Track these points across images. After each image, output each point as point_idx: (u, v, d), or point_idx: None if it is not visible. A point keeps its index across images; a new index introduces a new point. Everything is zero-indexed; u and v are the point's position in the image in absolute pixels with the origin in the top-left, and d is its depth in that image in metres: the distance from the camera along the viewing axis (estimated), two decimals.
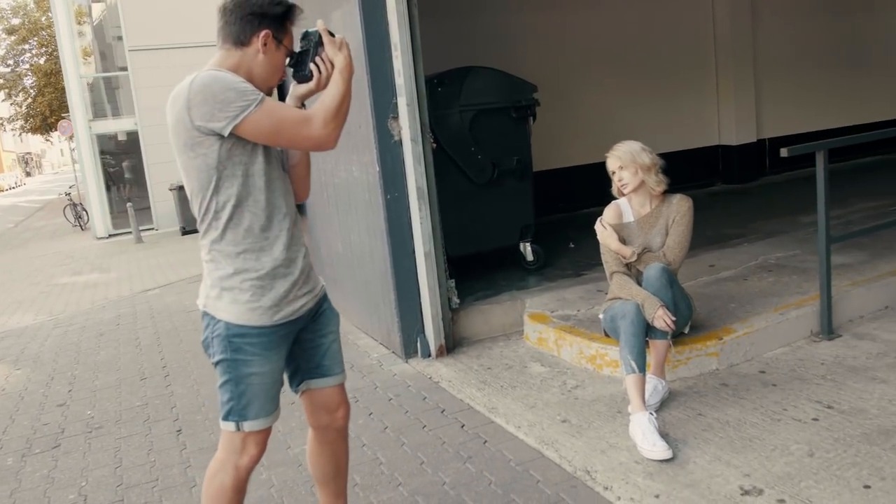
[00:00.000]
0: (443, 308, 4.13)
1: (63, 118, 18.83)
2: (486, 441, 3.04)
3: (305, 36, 1.93)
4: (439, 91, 4.59)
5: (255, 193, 1.89)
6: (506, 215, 5.03)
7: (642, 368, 2.94)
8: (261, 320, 1.90)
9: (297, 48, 1.95)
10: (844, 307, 3.88)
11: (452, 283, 4.25)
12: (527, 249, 5.20)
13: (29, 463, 3.43)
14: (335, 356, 2.15)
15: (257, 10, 1.87)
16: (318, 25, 1.91)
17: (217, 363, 1.93)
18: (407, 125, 3.93)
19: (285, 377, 2.11)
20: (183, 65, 13.90)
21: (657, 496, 2.45)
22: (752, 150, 8.95)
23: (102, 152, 15.61)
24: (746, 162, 8.89)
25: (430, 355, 4.13)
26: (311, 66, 1.91)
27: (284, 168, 2.03)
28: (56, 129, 25.85)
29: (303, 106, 2.01)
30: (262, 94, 1.83)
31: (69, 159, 26.82)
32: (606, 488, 2.55)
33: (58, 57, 20.87)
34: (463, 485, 2.70)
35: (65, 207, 18.14)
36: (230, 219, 1.88)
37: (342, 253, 5.02)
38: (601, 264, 4.84)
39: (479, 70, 4.83)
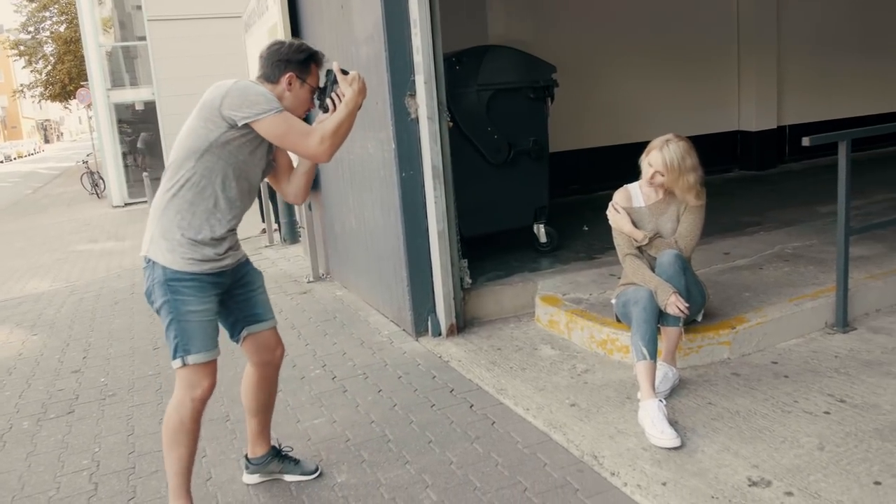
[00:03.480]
0: (454, 287, 4.13)
1: (82, 86, 18.87)
2: (494, 422, 3.05)
3: (327, 74, 2.40)
4: (457, 69, 4.54)
5: (224, 179, 2.31)
6: (520, 196, 5.00)
7: (653, 355, 2.93)
8: (191, 269, 2.30)
9: (322, 83, 2.42)
10: (861, 300, 3.83)
11: (465, 262, 4.24)
12: (540, 231, 5.18)
13: (44, 427, 3.49)
14: (265, 305, 2.59)
15: (283, 57, 2.38)
16: (333, 66, 2.37)
17: (160, 307, 2.31)
18: (424, 103, 3.89)
19: (227, 332, 2.54)
20: (201, 35, 13.91)
21: (664, 484, 2.45)
22: (772, 136, 8.82)
23: (120, 121, 15.66)
24: (765, 148, 8.76)
25: (440, 334, 4.14)
26: (328, 100, 2.37)
27: (262, 177, 2.49)
28: (75, 97, 25.96)
29: None
30: (282, 107, 2.28)
31: (87, 127, 26.93)
32: (613, 474, 2.56)
33: (78, 25, 20.88)
34: (470, 465, 2.71)
35: (82, 175, 18.26)
36: (197, 186, 2.29)
37: (355, 229, 5.02)
38: (613, 248, 4.83)
39: (498, 49, 4.78)
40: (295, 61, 2.37)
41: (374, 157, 4.40)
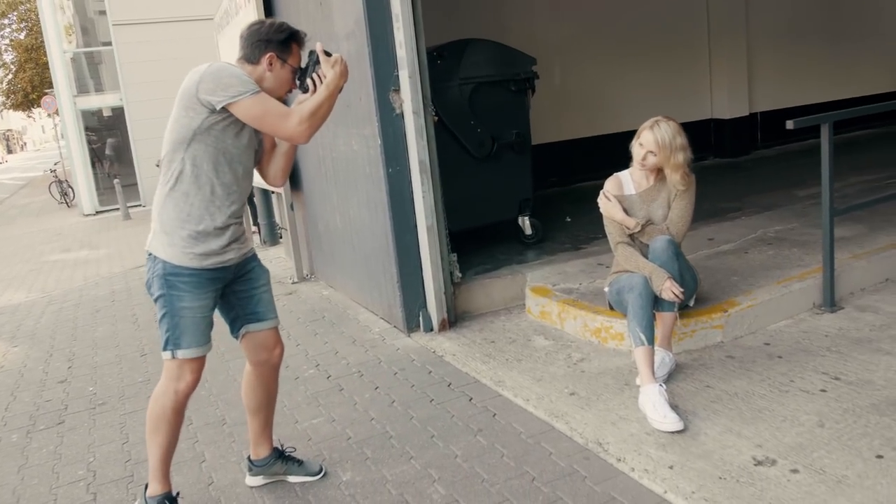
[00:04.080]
0: (445, 282, 4.12)
1: (46, 94, 18.48)
2: (495, 414, 3.05)
3: (310, 54, 2.36)
4: (438, 63, 4.52)
5: (216, 165, 2.29)
6: (505, 189, 5.01)
7: (651, 340, 2.95)
8: (191, 263, 2.30)
9: (304, 64, 2.39)
10: (846, 280, 3.90)
11: (454, 257, 4.23)
12: (525, 223, 5.19)
13: (34, 439, 3.41)
14: (268, 304, 2.56)
15: (264, 36, 2.34)
16: (317, 47, 2.33)
17: (157, 299, 2.33)
18: (409, 98, 3.87)
19: (227, 326, 2.55)
20: (168, 39, 13.70)
21: (671, 467, 2.47)
22: (744, 123, 8.94)
23: (87, 128, 15.35)
24: (738, 135, 8.88)
25: (432, 329, 4.13)
26: (309, 80, 2.35)
27: (256, 160, 2.47)
28: (38, 106, 25.43)
29: None
30: (258, 88, 2.25)
31: (51, 136, 26.38)
32: (619, 460, 2.57)
33: (38, 32, 20.42)
34: (475, 457, 2.71)
35: (50, 184, 17.87)
36: (190, 176, 2.28)
37: (340, 227, 4.98)
38: (599, 238, 4.86)
39: (479, 42, 4.77)
40: (275, 41, 2.34)
41: (358, 154, 4.36)
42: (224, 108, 2.22)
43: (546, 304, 4.04)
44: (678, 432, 2.68)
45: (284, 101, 2.39)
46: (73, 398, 3.89)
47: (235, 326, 2.55)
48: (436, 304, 4.09)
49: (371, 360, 3.86)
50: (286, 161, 2.53)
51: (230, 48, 6.96)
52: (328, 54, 2.32)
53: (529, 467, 2.60)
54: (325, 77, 2.31)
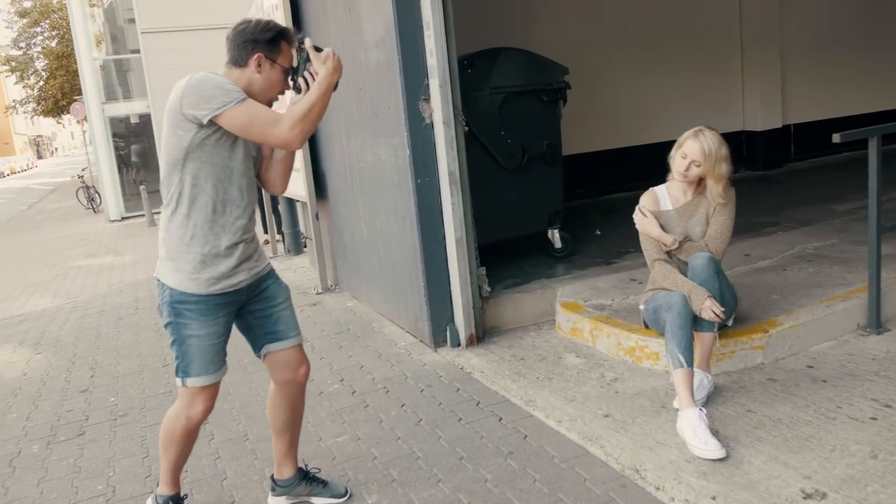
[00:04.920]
0: (473, 296, 4.02)
1: (76, 101, 18.73)
2: (526, 436, 2.93)
3: (299, 52, 2.23)
4: (469, 72, 4.44)
5: (215, 181, 2.19)
6: (535, 201, 4.90)
7: (690, 362, 2.83)
8: (199, 289, 2.21)
9: (294, 63, 2.26)
10: (892, 300, 3.73)
11: (483, 270, 4.13)
12: (555, 236, 5.07)
13: (54, 451, 3.36)
14: (288, 322, 2.44)
15: (250, 37, 2.22)
16: (306, 43, 2.20)
17: (166, 325, 2.28)
18: (439, 107, 3.79)
19: (250, 345, 2.47)
20: (196, 47, 13.78)
21: (713, 498, 2.34)
22: (777, 136, 8.76)
23: (115, 135, 15.52)
24: (771, 148, 8.70)
25: (459, 344, 4.02)
26: (301, 79, 2.21)
27: (256, 168, 2.36)
28: (68, 112, 25.80)
29: None
30: (244, 95, 2.13)
31: (79, 142, 26.77)
32: (658, 488, 2.44)
33: (69, 39, 20.69)
34: (506, 482, 2.60)
35: (77, 190, 18.10)
36: (188, 197, 2.18)
37: (367, 238, 4.91)
38: (631, 252, 4.74)
39: (510, 51, 4.68)
40: (262, 40, 2.21)
41: (386, 164, 4.29)
42: (211, 122, 2.11)
43: (577, 320, 3.92)
44: (720, 460, 2.54)
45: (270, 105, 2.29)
46: (95, 409, 3.84)
47: (256, 346, 2.46)
48: (464, 319, 3.99)
49: (397, 376, 3.76)
50: (285, 167, 2.41)
51: None
52: (318, 50, 2.19)
53: (563, 494, 2.48)
54: (316, 75, 2.17)
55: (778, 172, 8.41)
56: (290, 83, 2.26)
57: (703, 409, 2.72)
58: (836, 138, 3.32)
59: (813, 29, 8.83)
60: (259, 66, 2.22)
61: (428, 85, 3.84)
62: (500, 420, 3.10)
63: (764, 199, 6.70)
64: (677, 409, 2.92)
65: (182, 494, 2.55)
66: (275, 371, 2.47)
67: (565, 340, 3.97)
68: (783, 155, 8.82)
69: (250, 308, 2.38)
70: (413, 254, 4.09)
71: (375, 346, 4.30)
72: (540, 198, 4.91)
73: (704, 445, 2.56)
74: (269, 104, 2.28)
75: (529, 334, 4.14)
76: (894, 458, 2.45)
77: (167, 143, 2.18)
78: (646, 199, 3.27)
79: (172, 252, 2.23)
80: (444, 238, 3.98)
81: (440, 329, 4.06)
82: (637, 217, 3.25)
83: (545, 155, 4.83)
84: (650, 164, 7.59)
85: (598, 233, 5.85)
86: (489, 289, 4.18)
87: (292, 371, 2.47)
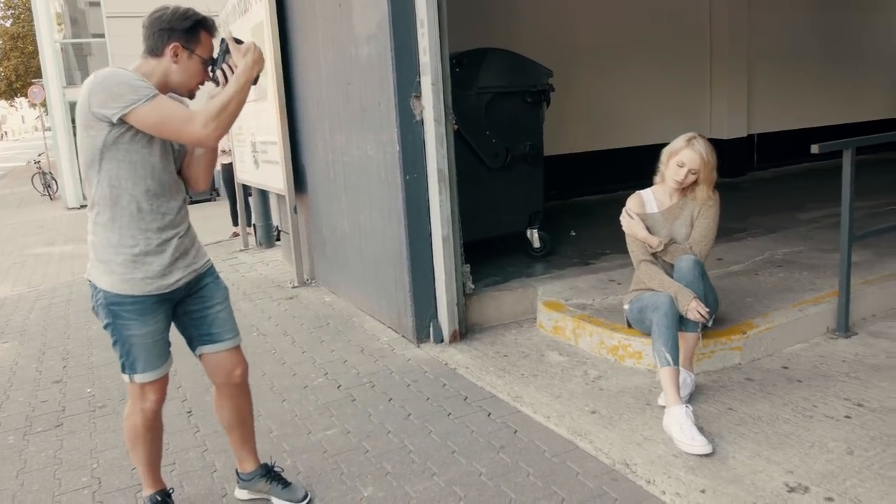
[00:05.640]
0: (458, 293, 4.06)
1: (32, 84, 18.18)
2: (516, 430, 2.99)
3: (221, 43, 2.19)
4: (457, 71, 4.47)
5: (135, 179, 2.11)
6: (516, 201, 4.97)
7: (677, 361, 2.92)
8: (133, 290, 2.16)
9: (216, 54, 2.21)
10: (858, 305, 3.89)
11: (467, 268, 4.17)
12: (534, 236, 5.15)
13: (32, 442, 3.28)
14: (224, 324, 2.38)
15: (166, 25, 2.14)
16: (226, 34, 2.17)
17: (105, 327, 2.23)
18: (431, 105, 3.82)
19: (186, 343, 2.42)
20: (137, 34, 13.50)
21: (703, 491, 2.43)
22: (742, 144, 9.02)
23: (74, 120, 15.11)
24: (736, 156, 8.94)
25: (442, 341, 4.06)
26: (219, 71, 2.17)
27: (177, 163, 2.27)
28: (22, 95, 25.02)
29: None
30: (155, 91, 2.04)
31: (30, 126, 25.95)
32: (649, 482, 2.52)
33: (25, 20, 20.06)
34: (500, 475, 2.64)
35: (33, 176, 17.56)
36: (109, 197, 2.11)
37: (348, 233, 4.90)
38: (607, 253, 4.83)
39: (498, 52, 4.74)
40: (179, 29, 2.13)
41: (373, 160, 4.30)
42: (122, 120, 2.02)
43: (560, 319, 4.00)
44: (706, 455, 2.64)
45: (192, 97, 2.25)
46: (71, 400, 3.76)
47: (192, 346, 2.42)
48: (448, 315, 4.03)
49: (382, 371, 3.78)
50: (206, 163, 2.32)
51: None
52: (238, 42, 2.15)
53: (557, 487, 2.54)
54: (235, 67, 2.11)
55: (742, 180, 8.65)
56: (210, 74, 2.20)
57: (688, 406, 2.81)
58: (814, 149, 3.45)
59: (779, 42, 9.12)
60: (176, 56, 2.14)
61: (420, 82, 3.87)
62: (489, 415, 3.15)
63: (731, 206, 6.82)
64: (662, 406, 3.02)
65: (168, 489, 2.54)
66: (210, 373, 2.45)
67: (547, 338, 4.04)
68: (747, 163, 9.08)
69: (186, 308, 2.34)
70: (399, 250, 4.11)
71: (357, 340, 4.31)
72: (521, 198, 4.98)
73: (691, 441, 2.65)
74: (191, 95, 2.26)
75: (511, 332, 4.20)
76: (869, 455, 2.57)
77: (82, 144, 2.11)
78: (632, 202, 3.35)
79: (102, 254, 2.17)
80: (431, 235, 4.02)
81: (423, 325, 4.09)
82: (624, 219, 3.33)
83: (527, 155, 4.90)
84: (622, 168, 7.81)
85: (573, 234, 5.95)
86: (473, 286, 4.22)
87: (226, 374, 2.42)
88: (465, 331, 4.14)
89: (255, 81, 2.16)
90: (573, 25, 7.64)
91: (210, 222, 10.53)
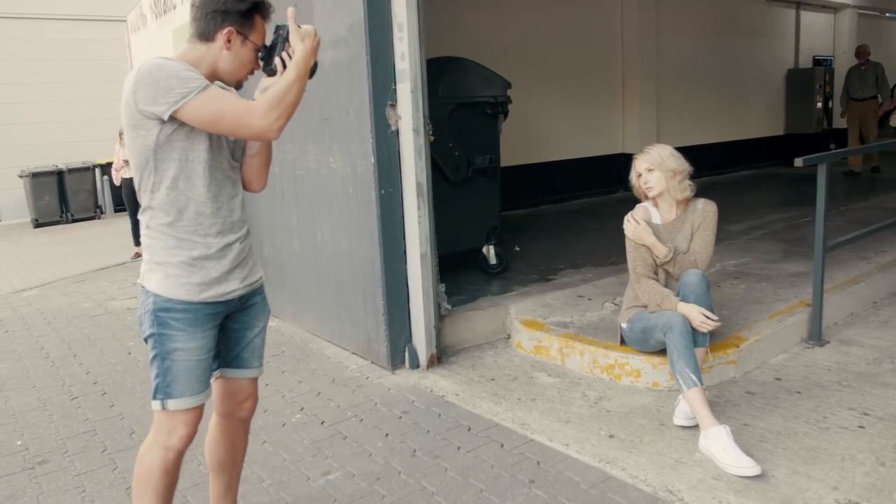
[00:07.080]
0: (434, 315, 3.82)
1: None
2: (538, 462, 2.78)
3: (276, 29, 1.94)
4: None
5: (192, 179, 1.93)
6: (475, 216, 4.81)
7: (702, 380, 2.83)
8: (188, 295, 1.95)
9: (269, 41, 1.96)
10: (825, 314, 4.01)
11: (443, 287, 3.95)
12: (490, 252, 5.00)
13: None
14: (255, 350, 2.19)
15: (221, 7, 1.91)
16: (289, 16, 1.90)
17: (147, 338, 1.98)
18: (409, 114, 3.58)
19: None
20: (24, 37, 12.34)
21: None
22: None
23: None
24: None
25: (419, 366, 3.80)
26: (277, 60, 1.92)
27: (235, 159, 2.05)
28: None
29: None
30: (206, 82, 1.84)
31: None
32: None
33: None
34: None
35: None
36: (166, 199, 1.93)
37: (300, 253, 4.54)
38: (561, 268, 4.74)
39: (461, 62, 4.57)
40: (235, 11, 1.91)
41: (337, 174, 3.98)
42: (173, 117, 1.83)
43: (543, 338, 3.84)
44: (749, 477, 2.55)
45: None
46: (0, 455, 3.18)
47: (213, 365, 2.14)
48: (425, 339, 3.78)
49: (364, 402, 3.46)
50: (263, 161, 2.12)
51: (153, 48, 6.26)
52: (300, 26, 1.93)
53: None
54: (293, 54, 1.89)
55: None
56: (261, 63, 1.97)
57: (726, 425, 2.72)
58: (798, 162, 3.53)
59: (681, 66, 9.66)
60: (229, 42, 1.93)
61: (395, 90, 3.62)
62: (503, 446, 2.93)
63: None
64: (680, 426, 2.94)
65: None
66: (220, 399, 2.20)
67: (529, 359, 3.88)
68: None
69: (225, 324, 2.10)
70: (370, 270, 3.81)
71: (323, 369, 3.96)
72: (479, 212, 4.83)
73: (737, 463, 2.56)
74: (238, 87, 2.04)
75: (487, 353, 4.01)
76: None
77: (131, 146, 1.91)
78: (640, 210, 3.27)
79: (158, 257, 1.97)
80: (406, 253, 3.76)
81: (398, 350, 3.82)
82: (629, 225, 3.22)
83: (487, 169, 4.74)
84: (544, 182, 7.86)
85: (517, 249, 5.85)
86: (448, 307, 4.00)
87: (237, 404, 2.21)
88: (440, 354, 3.89)
89: (311, 74, 1.90)
90: (505, 46, 7.63)
91: (102, 242, 9.64)
